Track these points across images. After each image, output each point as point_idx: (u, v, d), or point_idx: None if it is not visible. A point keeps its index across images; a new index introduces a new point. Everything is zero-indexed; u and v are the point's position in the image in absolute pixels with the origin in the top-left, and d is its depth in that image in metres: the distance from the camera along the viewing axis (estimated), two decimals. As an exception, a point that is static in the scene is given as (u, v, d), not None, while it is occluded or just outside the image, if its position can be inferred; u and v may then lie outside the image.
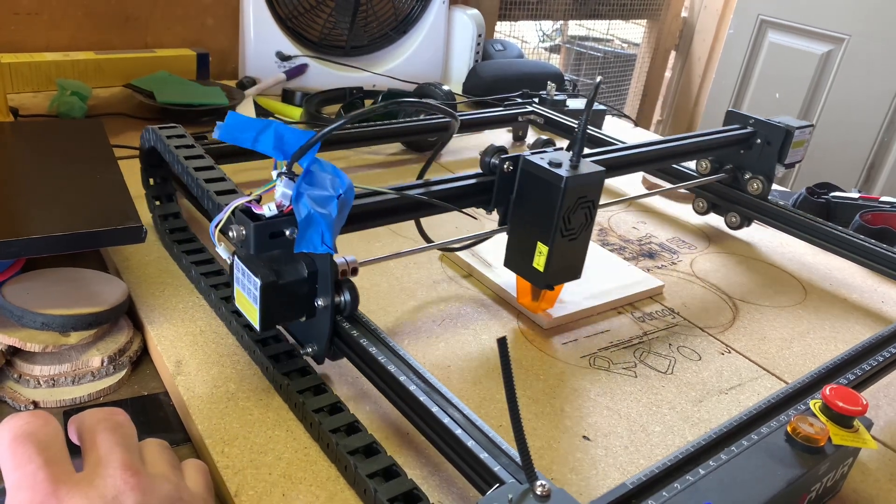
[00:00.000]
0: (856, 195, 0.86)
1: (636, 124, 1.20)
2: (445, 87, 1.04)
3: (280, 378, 0.48)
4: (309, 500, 0.40)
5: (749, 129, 0.79)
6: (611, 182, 0.93)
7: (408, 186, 0.55)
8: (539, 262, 0.55)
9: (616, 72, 2.53)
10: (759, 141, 0.78)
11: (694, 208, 0.86)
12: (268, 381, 0.49)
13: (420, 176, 0.58)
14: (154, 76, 1.02)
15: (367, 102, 1.03)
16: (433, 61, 1.23)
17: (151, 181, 0.67)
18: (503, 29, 2.46)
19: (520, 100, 1.07)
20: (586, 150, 0.63)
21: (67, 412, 0.47)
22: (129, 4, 1.07)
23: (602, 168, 0.55)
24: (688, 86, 2.29)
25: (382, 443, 0.43)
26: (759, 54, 1.98)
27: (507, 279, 0.63)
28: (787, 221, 0.77)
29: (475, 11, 1.26)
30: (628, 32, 2.40)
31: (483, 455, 0.38)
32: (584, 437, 0.49)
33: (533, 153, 0.56)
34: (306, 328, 0.50)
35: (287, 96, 1.06)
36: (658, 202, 0.90)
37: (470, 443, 0.39)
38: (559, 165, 0.54)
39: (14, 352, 0.49)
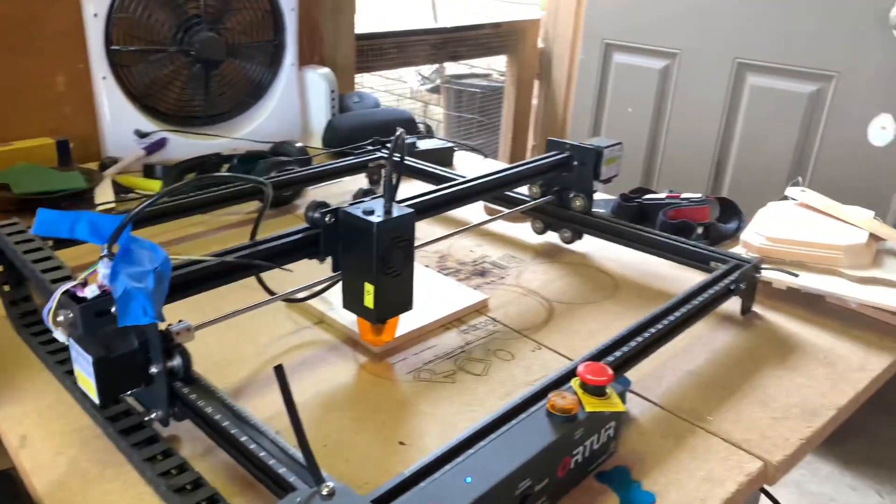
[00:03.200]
0: (664, 195, 0.98)
1: (486, 157, 1.31)
2: (298, 144, 1.11)
3: (129, 450, 0.52)
4: (140, 536, 0.45)
5: (566, 154, 0.89)
6: (455, 212, 1.01)
7: (234, 249, 0.61)
8: (369, 300, 0.62)
9: (494, 104, 2.67)
10: (575, 163, 0.88)
11: (532, 229, 0.95)
12: (110, 442, 0.54)
13: (252, 237, 0.64)
14: (12, 168, 1.04)
15: (224, 167, 1.09)
16: (290, 119, 1.30)
17: (0, 268, 0.71)
18: (388, 75, 2.55)
19: (370, 147, 1.15)
20: (408, 195, 0.72)
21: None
22: (-22, 104, 1.10)
23: (412, 210, 0.62)
24: (553, 111, 2.45)
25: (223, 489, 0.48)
26: (608, 74, 2.15)
27: (353, 318, 0.69)
28: (606, 230, 0.87)
29: (326, 70, 1.35)
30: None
31: (282, 470, 0.44)
32: (401, 442, 0.56)
33: (351, 204, 0.64)
34: (150, 394, 0.54)
35: (148, 171, 1.11)
36: (496, 225, 1.00)
37: (272, 462, 0.45)
38: (371, 212, 0.61)
39: None
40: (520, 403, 0.51)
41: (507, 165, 0.87)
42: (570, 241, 0.92)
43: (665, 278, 0.84)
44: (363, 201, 0.64)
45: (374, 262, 0.60)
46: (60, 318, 0.50)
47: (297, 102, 1.31)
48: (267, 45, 1.26)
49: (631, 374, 0.64)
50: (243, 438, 0.47)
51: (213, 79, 1.20)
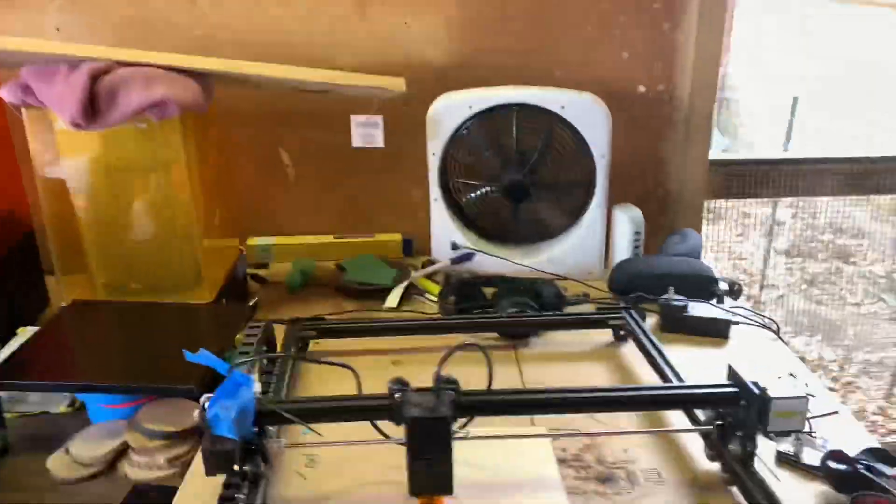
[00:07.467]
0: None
1: (785, 342, 1.17)
2: (553, 289, 1.22)
3: None
4: None
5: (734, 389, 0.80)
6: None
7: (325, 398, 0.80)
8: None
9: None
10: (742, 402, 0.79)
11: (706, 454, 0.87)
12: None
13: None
14: (359, 257, 1.43)
15: (488, 291, 1.26)
16: (589, 255, 1.38)
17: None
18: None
19: (622, 305, 1.17)
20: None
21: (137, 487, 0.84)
22: (362, 204, 1.53)
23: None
24: None
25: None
26: None
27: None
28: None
29: (636, 212, 1.39)
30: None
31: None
32: None
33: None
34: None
35: (447, 277, 1.36)
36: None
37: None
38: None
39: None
40: None
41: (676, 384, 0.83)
42: (727, 481, 0.81)
43: None
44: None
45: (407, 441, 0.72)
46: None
47: (599, 240, 1.39)
48: (577, 187, 1.38)
49: None
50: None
51: (521, 211, 1.39)
